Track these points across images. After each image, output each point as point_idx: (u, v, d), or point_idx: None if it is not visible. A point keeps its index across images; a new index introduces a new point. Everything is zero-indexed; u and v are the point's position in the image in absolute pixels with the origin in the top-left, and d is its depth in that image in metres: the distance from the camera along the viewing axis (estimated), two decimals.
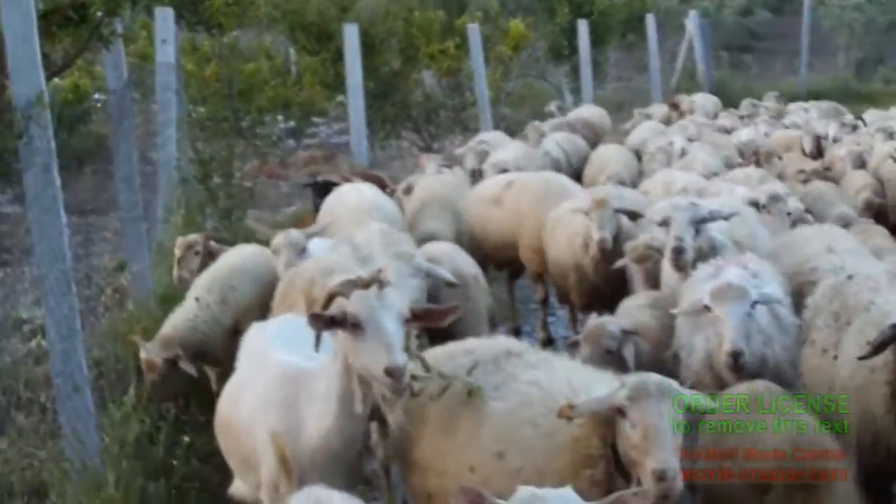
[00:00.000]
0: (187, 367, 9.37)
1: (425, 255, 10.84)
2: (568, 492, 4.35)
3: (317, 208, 14.14)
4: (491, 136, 19.66)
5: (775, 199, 11.31)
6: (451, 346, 7.07)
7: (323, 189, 14.27)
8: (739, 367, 7.27)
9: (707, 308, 7.57)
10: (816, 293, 7.99)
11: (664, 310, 8.99)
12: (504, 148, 17.58)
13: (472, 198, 14.02)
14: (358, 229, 11.09)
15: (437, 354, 6.93)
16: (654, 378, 5.62)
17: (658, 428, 5.35)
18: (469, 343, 7.07)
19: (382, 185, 14.41)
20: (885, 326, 6.44)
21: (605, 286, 11.29)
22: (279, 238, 10.12)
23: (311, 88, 25.01)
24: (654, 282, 10.23)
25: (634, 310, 9.41)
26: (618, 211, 11.00)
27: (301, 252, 10.00)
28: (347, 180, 14.19)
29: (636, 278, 10.49)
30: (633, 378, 5.67)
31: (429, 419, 6.50)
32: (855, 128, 19.92)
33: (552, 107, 27.21)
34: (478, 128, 24.40)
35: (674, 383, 5.64)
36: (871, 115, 22.79)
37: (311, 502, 5.16)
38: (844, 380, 6.97)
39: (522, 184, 13.61)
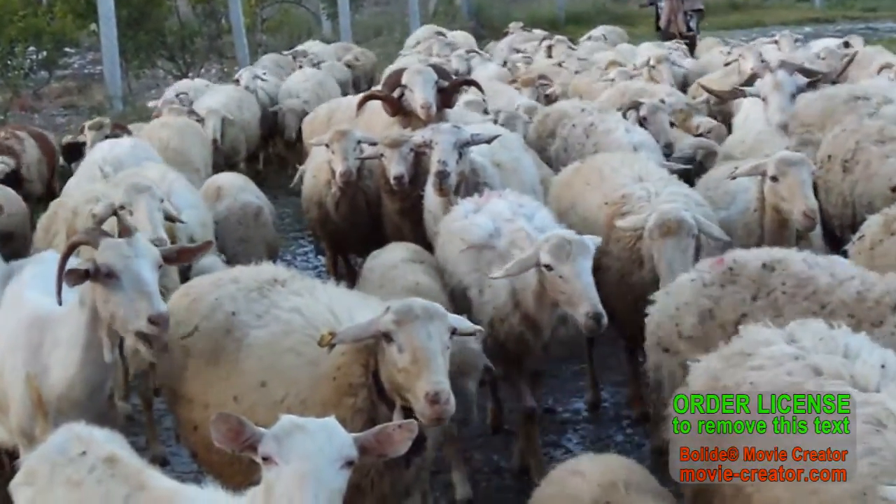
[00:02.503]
0: None
1: (212, 185, 10.79)
2: (330, 421, 4.28)
3: None
4: (191, 85, 18.50)
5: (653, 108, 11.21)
6: (220, 275, 7.02)
7: None
8: (601, 329, 6.93)
9: (548, 267, 7.11)
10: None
11: (428, 262, 8.63)
12: (212, 92, 16.95)
13: (306, 129, 13.85)
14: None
15: (204, 283, 6.87)
16: (419, 301, 5.53)
17: (428, 349, 5.26)
18: (235, 271, 6.98)
19: (46, 143, 13.82)
20: None
21: (347, 228, 11.02)
22: None
23: (62, 17, 24.43)
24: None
25: (406, 272, 8.35)
26: (361, 142, 10.51)
27: None
28: (10, 150, 13.53)
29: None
30: (398, 302, 5.55)
31: (193, 351, 6.41)
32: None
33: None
34: (234, 55, 24.14)
35: (439, 306, 5.57)
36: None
37: (72, 439, 5.08)
38: None
39: (342, 109, 13.34)
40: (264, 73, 18.69)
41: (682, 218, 7.75)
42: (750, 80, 11.38)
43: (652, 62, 16.81)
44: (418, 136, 9.76)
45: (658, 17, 26.00)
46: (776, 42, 18.13)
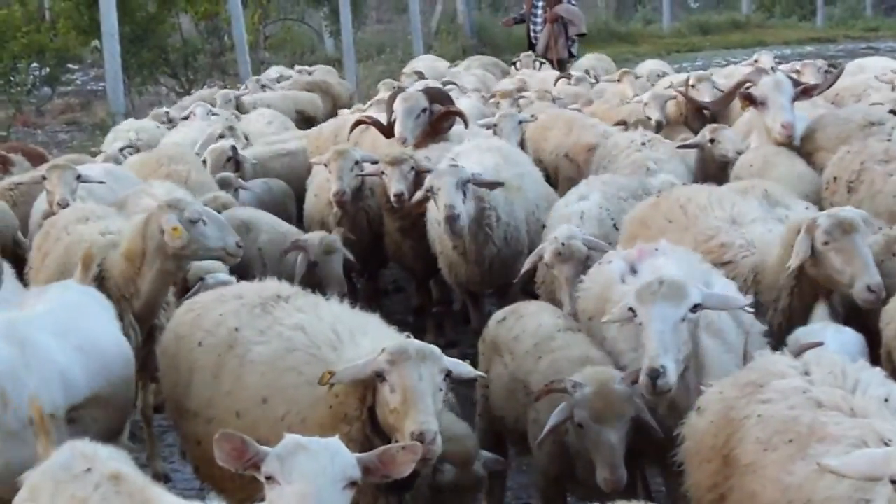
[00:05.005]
0: None
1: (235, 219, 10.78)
2: (333, 442, 4.32)
3: None
4: (141, 125, 16.25)
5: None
6: (223, 290, 7.04)
7: None
8: (657, 390, 5.65)
9: (632, 312, 5.99)
10: None
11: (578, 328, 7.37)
12: (186, 127, 15.29)
13: (311, 146, 13.68)
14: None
15: (208, 299, 6.90)
16: (415, 343, 5.55)
17: (416, 390, 5.27)
18: (239, 287, 7.05)
19: (43, 160, 13.56)
20: None
21: (349, 247, 10.50)
22: None
23: (65, 34, 24.53)
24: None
25: (571, 344, 7.01)
26: (360, 162, 10.49)
27: None
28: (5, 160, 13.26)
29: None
30: (394, 343, 5.57)
31: (197, 366, 6.45)
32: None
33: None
34: (237, 72, 24.19)
35: (435, 349, 5.56)
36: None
37: (76, 456, 5.08)
38: None
39: (348, 127, 12.95)
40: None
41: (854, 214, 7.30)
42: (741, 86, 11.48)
43: (692, 81, 15.07)
44: (420, 156, 9.92)
45: (530, 39, 24.25)
46: (798, 71, 16.99)
